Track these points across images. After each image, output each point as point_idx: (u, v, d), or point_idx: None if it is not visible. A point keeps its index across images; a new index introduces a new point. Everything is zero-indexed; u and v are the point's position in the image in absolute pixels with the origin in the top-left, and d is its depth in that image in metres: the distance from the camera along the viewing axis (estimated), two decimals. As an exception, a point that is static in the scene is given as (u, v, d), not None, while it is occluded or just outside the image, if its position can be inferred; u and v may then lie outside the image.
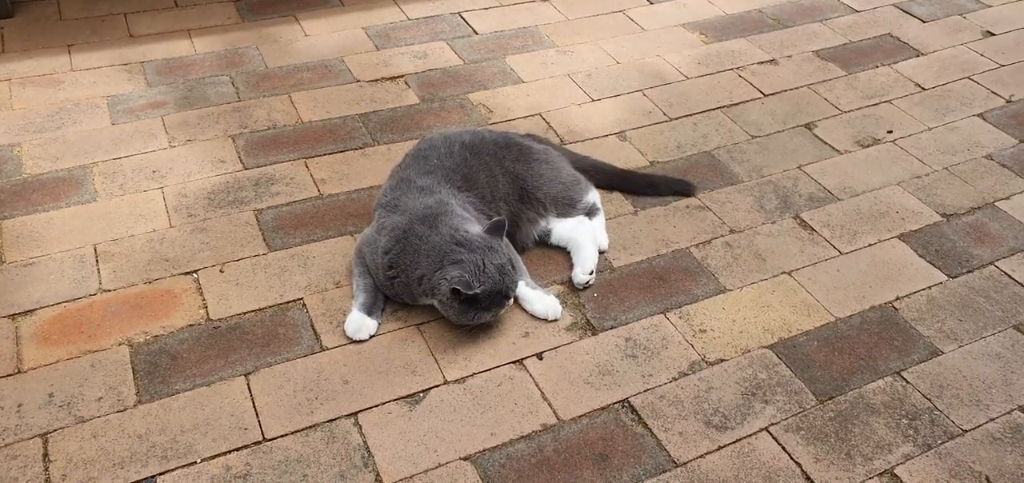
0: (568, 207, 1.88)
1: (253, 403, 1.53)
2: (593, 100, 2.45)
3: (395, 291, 1.70)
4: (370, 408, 1.53)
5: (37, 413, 1.49)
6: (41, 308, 1.69)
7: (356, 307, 1.67)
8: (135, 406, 1.51)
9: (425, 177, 1.79)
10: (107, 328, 1.65)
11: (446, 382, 1.59)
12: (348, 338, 1.65)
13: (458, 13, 2.85)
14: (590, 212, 1.91)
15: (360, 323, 1.65)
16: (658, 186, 2.08)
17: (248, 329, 1.67)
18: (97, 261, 1.81)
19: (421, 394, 1.57)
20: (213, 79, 2.45)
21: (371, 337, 1.66)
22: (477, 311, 1.61)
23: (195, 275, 1.79)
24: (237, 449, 1.45)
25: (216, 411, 1.51)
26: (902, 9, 3.06)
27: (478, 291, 1.58)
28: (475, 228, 1.69)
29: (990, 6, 3.10)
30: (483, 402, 1.56)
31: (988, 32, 2.94)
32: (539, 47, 2.70)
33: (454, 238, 1.63)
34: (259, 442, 1.46)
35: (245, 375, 1.58)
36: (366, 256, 1.74)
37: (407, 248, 1.66)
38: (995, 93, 2.60)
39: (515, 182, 1.86)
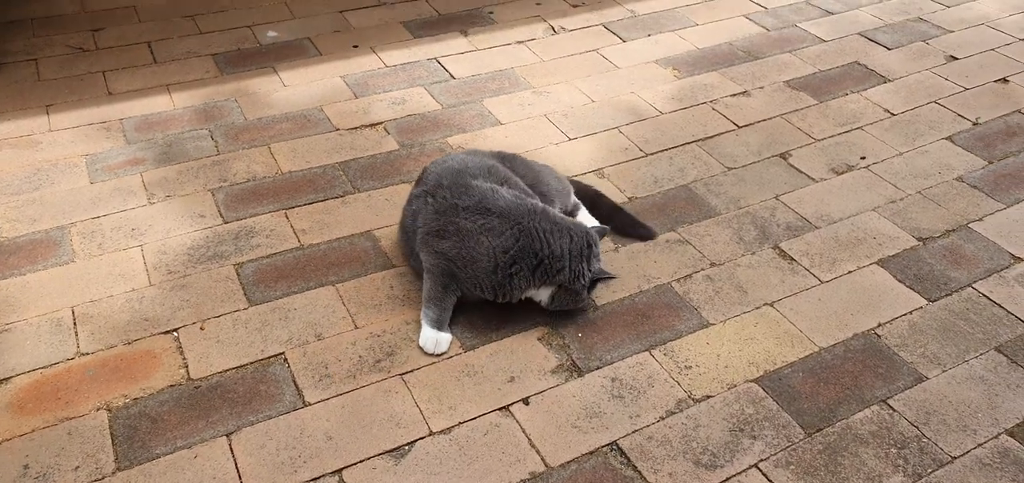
0: (566, 198, 2.07)
1: (235, 464, 1.50)
2: (570, 139, 2.48)
3: (509, 287, 1.75)
4: (354, 464, 1.51)
5: (13, 486, 1.46)
6: (16, 375, 1.66)
7: (427, 324, 1.75)
8: (113, 474, 1.48)
9: (482, 178, 1.88)
10: (85, 393, 1.63)
11: (432, 433, 1.57)
12: (428, 354, 1.72)
13: (435, 58, 2.88)
14: (574, 209, 2.09)
15: (437, 339, 1.74)
16: (620, 224, 2.11)
17: (230, 387, 1.65)
18: (75, 324, 1.78)
19: (406, 447, 1.55)
20: (192, 134, 2.45)
21: (447, 349, 1.74)
22: (588, 295, 1.80)
23: (175, 334, 1.77)
24: (220, 512, 1.42)
25: (198, 474, 1.48)
26: (868, 37, 3.13)
27: (612, 279, 1.86)
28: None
29: (951, 31, 3.18)
30: (470, 452, 1.54)
31: (951, 56, 3.01)
32: (516, 89, 2.72)
33: (589, 238, 1.78)
34: (243, 504, 1.44)
35: (227, 435, 1.55)
36: (455, 265, 1.75)
37: (533, 243, 1.74)
38: (962, 116, 2.65)
39: (525, 182, 1.99)
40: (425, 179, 1.92)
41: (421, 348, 1.73)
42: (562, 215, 1.85)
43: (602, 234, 1.88)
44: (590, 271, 1.75)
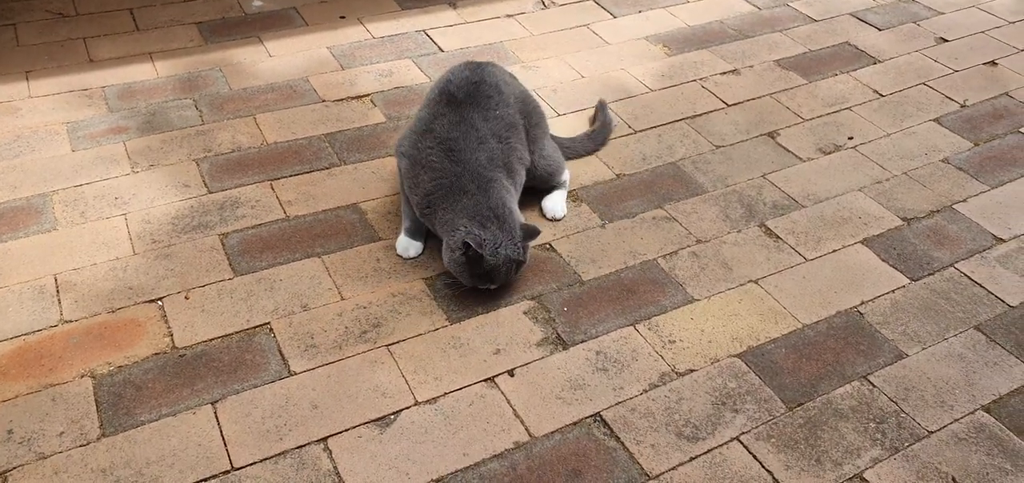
0: (558, 173, 2.09)
1: (221, 432, 1.50)
2: (559, 115, 2.47)
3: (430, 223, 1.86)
4: (340, 433, 1.52)
5: (-5, 451, 1.45)
6: (-1, 342, 1.65)
7: (403, 232, 1.91)
8: (98, 440, 1.48)
9: (486, 124, 1.89)
10: (69, 360, 1.62)
11: (417, 403, 1.58)
12: (400, 257, 1.88)
13: (423, 31, 2.86)
14: (562, 184, 2.10)
15: (407, 244, 1.89)
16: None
17: (214, 356, 1.65)
18: (58, 292, 1.77)
19: (392, 416, 1.55)
20: (176, 103, 2.42)
21: (418, 255, 1.88)
22: (471, 276, 1.75)
23: (160, 302, 1.76)
24: (204, 479, 1.42)
25: (183, 441, 1.48)
26: (858, 18, 3.13)
27: (485, 260, 1.71)
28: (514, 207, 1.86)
29: (942, 13, 3.19)
30: (455, 422, 1.55)
31: (941, 38, 3.02)
32: (505, 63, 2.70)
33: (499, 209, 1.77)
34: (227, 472, 1.44)
35: (212, 403, 1.55)
36: (405, 184, 1.90)
37: (450, 196, 1.80)
38: (950, 98, 2.67)
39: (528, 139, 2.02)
40: (442, 87, 1.95)
41: (396, 250, 1.89)
42: (500, 198, 1.80)
43: (531, 235, 1.81)
44: (463, 235, 1.71)
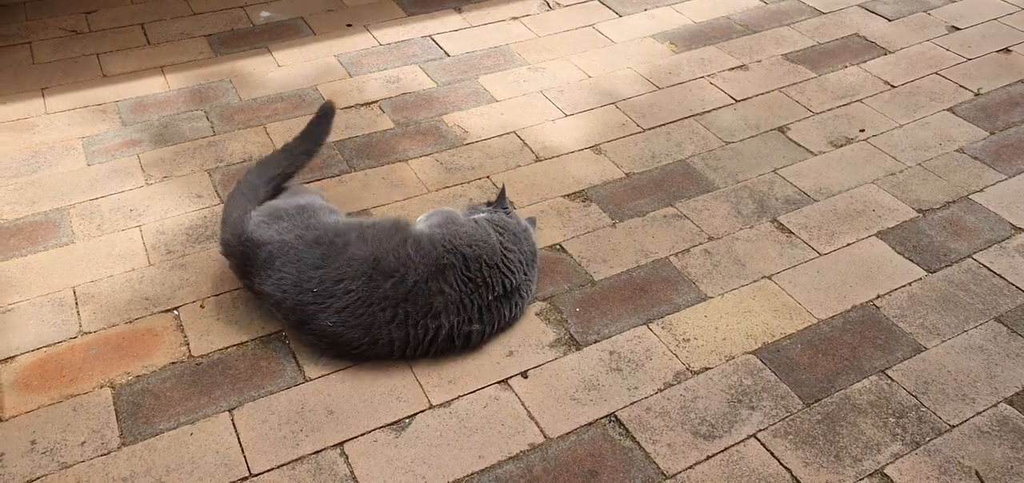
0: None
1: (238, 439, 1.51)
2: (566, 115, 2.47)
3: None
4: (356, 437, 1.52)
5: (20, 461, 1.47)
6: (21, 354, 1.67)
7: None
8: (119, 449, 1.49)
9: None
10: (89, 371, 1.64)
11: (432, 406, 1.58)
12: None
13: (429, 36, 2.87)
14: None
15: None
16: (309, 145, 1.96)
17: (231, 364, 1.66)
18: (77, 304, 1.79)
19: (407, 420, 1.56)
20: (188, 114, 2.44)
21: None
22: None
23: (176, 312, 1.77)
24: (223, 487, 1.43)
25: (201, 449, 1.50)
26: (867, 9, 3.11)
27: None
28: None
29: (954, 1, 3.16)
30: (469, 425, 1.55)
31: (953, 27, 2.99)
32: (511, 66, 2.71)
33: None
34: (245, 478, 1.45)
35: (229, 411, 1.56)
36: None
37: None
38: (963, 87, 2.64)
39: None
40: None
41: None
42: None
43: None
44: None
